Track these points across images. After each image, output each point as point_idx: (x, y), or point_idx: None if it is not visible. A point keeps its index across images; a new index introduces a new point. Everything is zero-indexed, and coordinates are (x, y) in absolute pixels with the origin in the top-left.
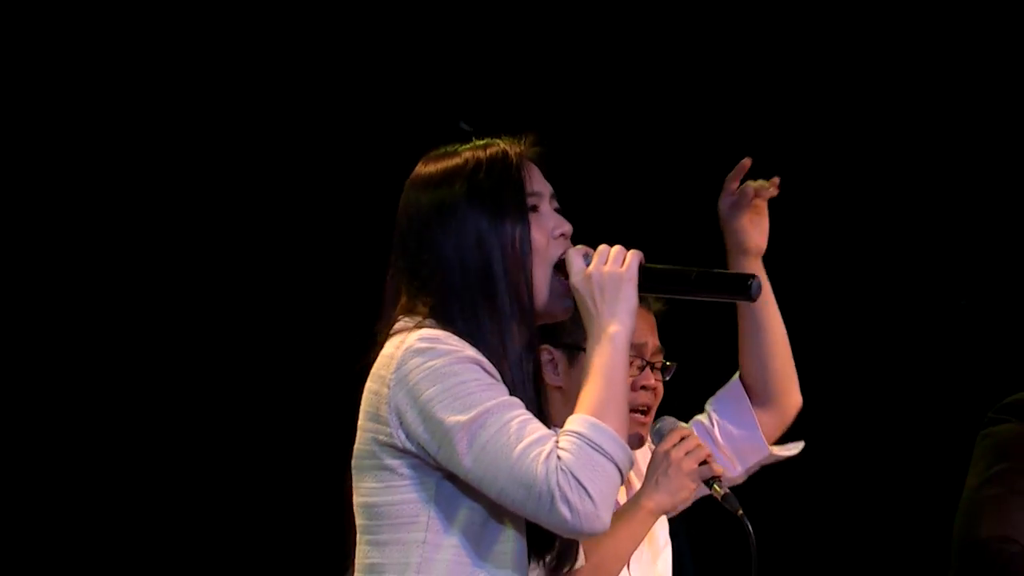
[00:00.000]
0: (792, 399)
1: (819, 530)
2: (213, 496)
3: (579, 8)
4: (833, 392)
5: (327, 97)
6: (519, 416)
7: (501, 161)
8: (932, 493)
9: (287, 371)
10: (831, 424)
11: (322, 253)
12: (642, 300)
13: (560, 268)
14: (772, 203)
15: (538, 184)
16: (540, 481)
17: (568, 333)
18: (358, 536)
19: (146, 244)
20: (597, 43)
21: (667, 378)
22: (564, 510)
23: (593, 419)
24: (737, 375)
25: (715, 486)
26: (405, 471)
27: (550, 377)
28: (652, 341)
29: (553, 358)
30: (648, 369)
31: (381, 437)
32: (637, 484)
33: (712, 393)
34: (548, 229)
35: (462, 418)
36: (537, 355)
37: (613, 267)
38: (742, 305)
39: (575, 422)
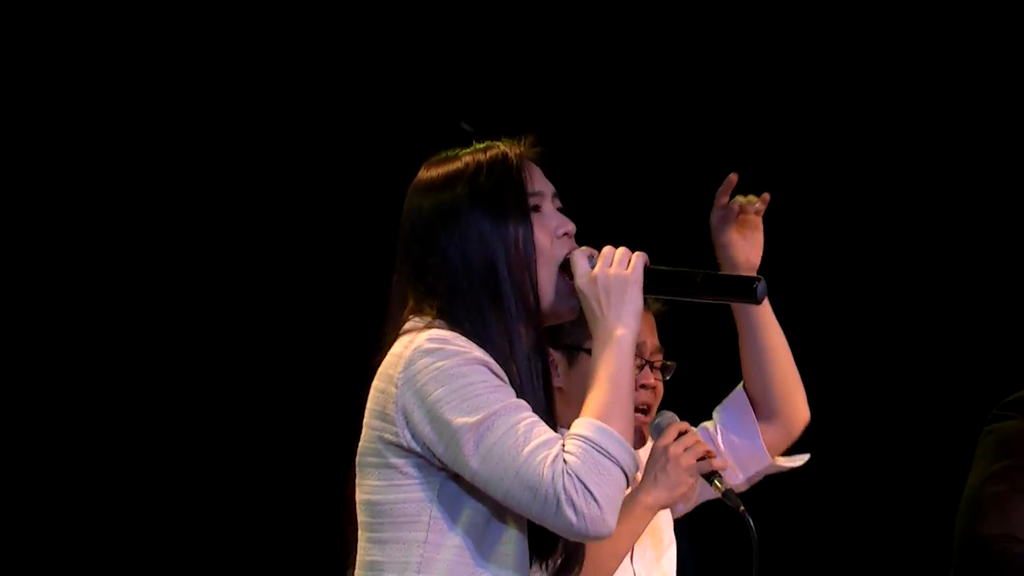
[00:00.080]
0: (797, 414)
1: (819, 527)
2: (215, 496)
3: (582, 8)
4: (832, 391)
5: (328, 98)
6: (526, 419)
7: (501, 163)
8: (931, 491)
9: (289, 369)
10: (830, 423)
11: (325, 252)
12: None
13: (565, 268)
14: (771, 207)
15: (539, 184)
16: (546, 484)
17: (567, 334)
18: (360, 533)
19: (151, 246)
20: (598, 42)
21: (667, 377)
22: (570, 513)
23: (599, 423)
24: (742, 383)
25: (715, 482)
26: (409, 470)
27: None
28: (651, 340)
29: (552, 359)
30: (648, 368)
31: (387, 436)
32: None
33: (713, 394)
34: (551, 229)
35: (470, 419)
36: (546, 357)
37: (618, 269)
38: (741, 320)
39: (581, 426)
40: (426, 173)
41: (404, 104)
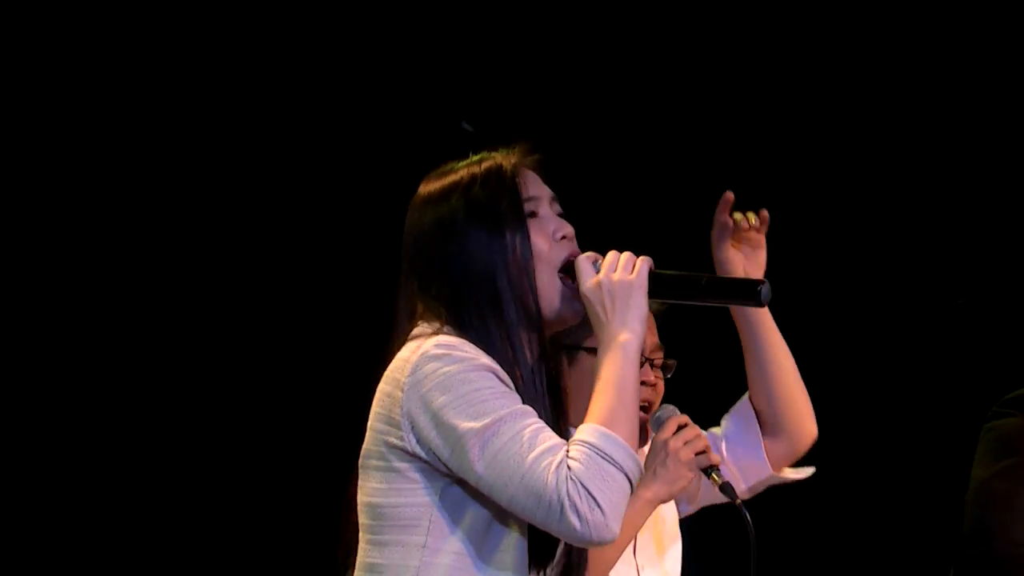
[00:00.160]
0: (804, 431)
1: (818, 525)
2: (218, 496)
3: (585, 9)
4: (831, 390)
5: (330, 99)
6: (532, 425)
7: (496, 173)
8: (929, 489)
9: (294, 371)
10: (830, 423)
11: (329, 254)
12: None
13: (566, 271)
14: (770, 207)
15: (535, 189)
16: (550, 490)
17: (567, 334)
18: (360, 535)
19: (153, 248)
20: (600, 43)
21: (668, 376)
22: (574, 520)
23: (603, 428)
24: (748, 393)
25: (713, 475)
26: (412, 475)
27: None
28: (651, 338)
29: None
30: (648, 365)
31: (391, 440)
32: None
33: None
34: (549, 233)
35: (475, 425)
36: (552, 362)
37: (623, 274)
38: (746, 337)
39: (585, 431)
40: (424, 188)
41: (406, 105)
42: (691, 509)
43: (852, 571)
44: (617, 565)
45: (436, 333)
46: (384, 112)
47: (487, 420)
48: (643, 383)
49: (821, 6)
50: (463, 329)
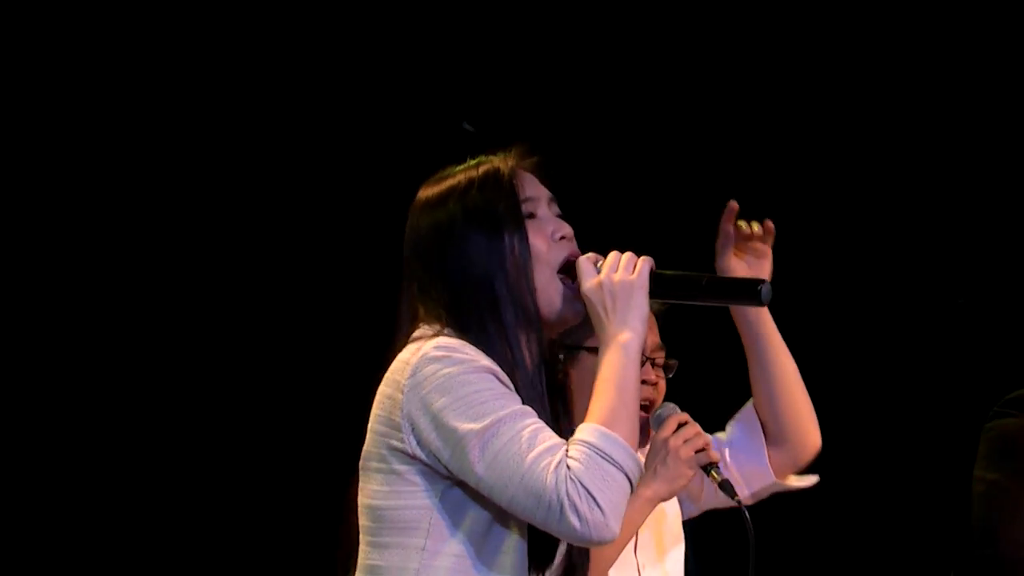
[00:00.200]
0: (807, 442)
1: (818, 525)
2: (219, 497)
3: (586, 10)
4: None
5: (331, 100)
6: (531, 425)
7: (493, 176)
8: (929, 489)
9: (295, 373)
10: (830, 422)
11: (330, 255)
12: None
13: (566, 271)
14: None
15: (532, 190)
16: (550, 491)
17: (568, 334)
18: (361, 536)
19: (156, 251)
20: (601, 43)
21: (669, 376)
22: (573, 519)
23: (603, 428)
24: (752, 400)
25: (712, 472)
26: (412, 477)
27: None
28: (652, 338)
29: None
30: (648, 364)
31: (392, 442)
32: None
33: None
34: (548, 233)
35: (475, 426)
36: (552, 364)
37: (624, 275)
38: (750, 346)
39: (585, 431)
40: (423, 193)
41: (407, 105)
42: (695, 510)
43: (852, 571)
44: (617, 563)
45: (436, 335)
46: (385, 113)
47: (487, 421)
48: (644, 382)
49: (821, 10)
50: (463, 331)
